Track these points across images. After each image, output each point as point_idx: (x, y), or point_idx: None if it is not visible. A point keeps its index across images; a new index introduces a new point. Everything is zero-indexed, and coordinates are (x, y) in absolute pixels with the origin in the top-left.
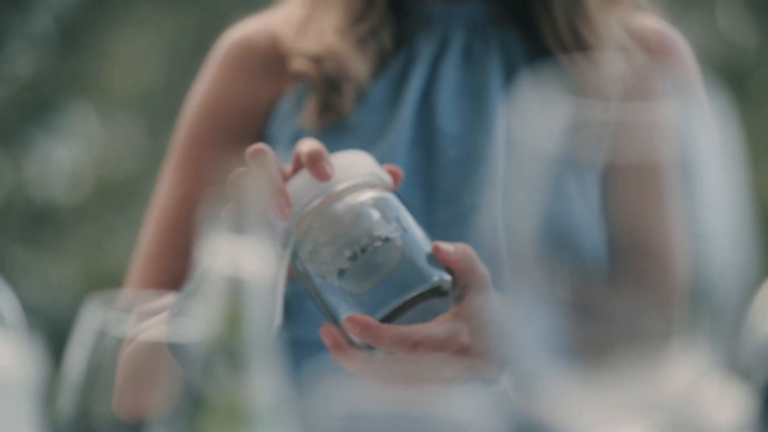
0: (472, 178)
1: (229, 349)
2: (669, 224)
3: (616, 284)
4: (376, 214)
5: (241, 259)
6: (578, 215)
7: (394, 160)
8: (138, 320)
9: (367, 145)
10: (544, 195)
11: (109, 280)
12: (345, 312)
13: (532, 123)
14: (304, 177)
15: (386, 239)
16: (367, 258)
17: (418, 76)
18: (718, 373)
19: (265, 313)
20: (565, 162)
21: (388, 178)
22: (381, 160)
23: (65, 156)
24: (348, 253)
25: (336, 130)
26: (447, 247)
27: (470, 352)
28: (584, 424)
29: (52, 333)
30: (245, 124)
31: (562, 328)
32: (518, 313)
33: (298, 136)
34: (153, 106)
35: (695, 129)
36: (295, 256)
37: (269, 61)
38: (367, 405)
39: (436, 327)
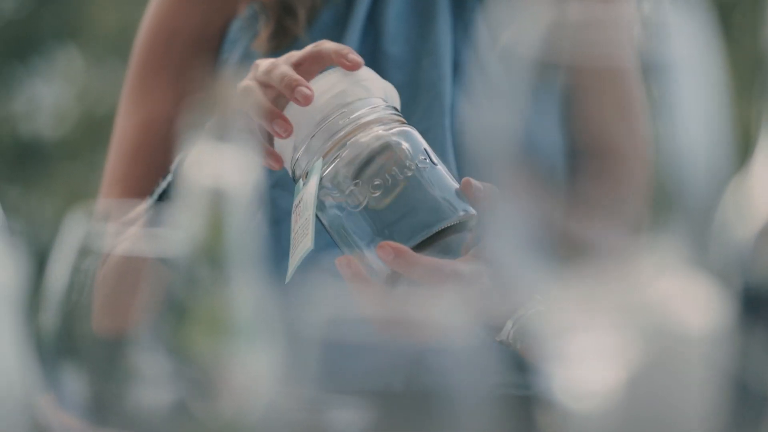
0: (418, 103)
1: (211, 259)
2: (630, 125)
3: (578, 187)
4: (405, 147)
5: (223, 169)
6: (543, 120)
7: None
8: (115, 233)
9: None
10: (521, 102)
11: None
12: (370, 242)
13: (506, 27)
14: (327, 102)
15: (414, 171)
16: (396, 189)
17: None
18: (693, 278)
19: (247, 223)
20: (536, 65)
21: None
22: None
23: (49, 92)
24: (378, 183)
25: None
26: (477, 183)
27: (488, 297)
28: (559, 335)
29: (37, 267)
30: (200, 48)
31: (534, 236)
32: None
33: (247, 59)
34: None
35: (670, 28)
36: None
37: None
38: (351, 310)
39: (464, 265)
